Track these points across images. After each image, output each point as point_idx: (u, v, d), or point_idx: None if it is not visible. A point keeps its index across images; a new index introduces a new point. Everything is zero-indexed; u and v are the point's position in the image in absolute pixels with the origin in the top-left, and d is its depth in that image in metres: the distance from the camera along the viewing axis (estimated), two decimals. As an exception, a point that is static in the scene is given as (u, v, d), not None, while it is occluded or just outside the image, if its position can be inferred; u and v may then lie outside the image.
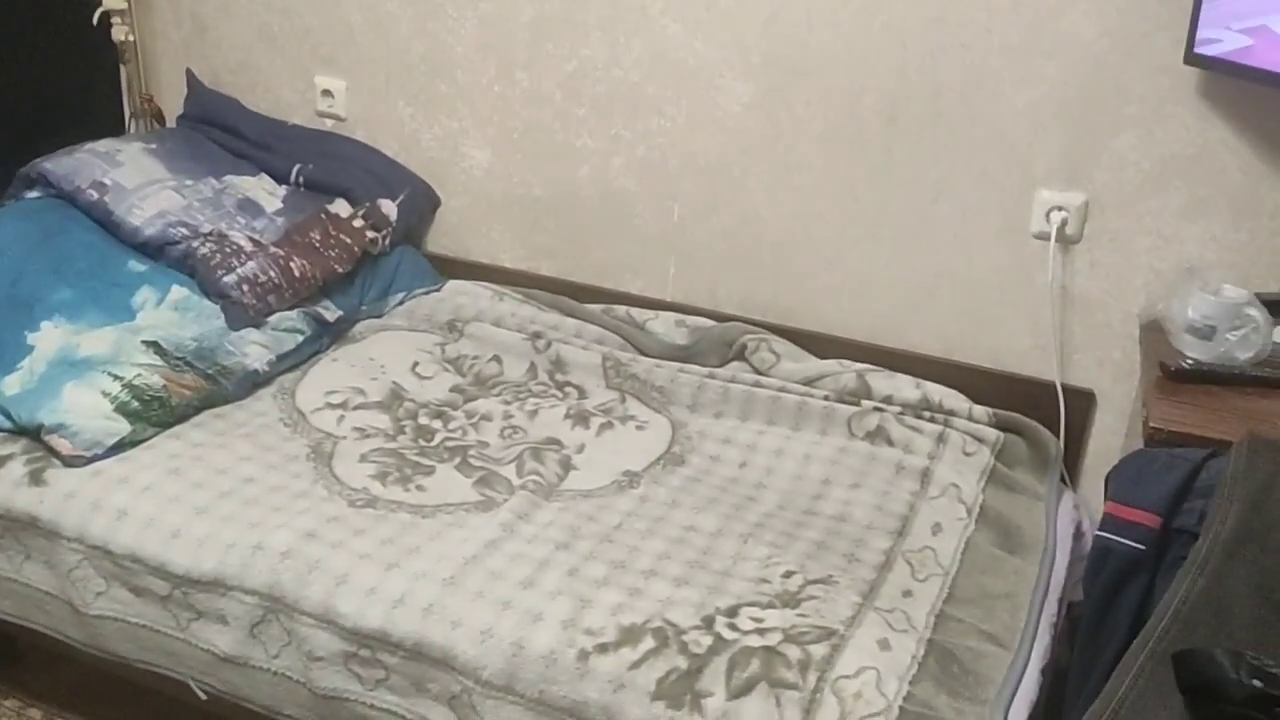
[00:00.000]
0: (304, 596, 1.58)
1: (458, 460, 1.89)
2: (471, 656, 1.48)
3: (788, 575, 1.60)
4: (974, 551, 1.73)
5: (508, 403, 2.08)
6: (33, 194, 2.24)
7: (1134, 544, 1.37)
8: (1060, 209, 1.97)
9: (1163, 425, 1.54)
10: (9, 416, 1.85)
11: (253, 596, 1.61)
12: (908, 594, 1.61)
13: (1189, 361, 1.69)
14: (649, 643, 1.46)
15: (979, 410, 2.03)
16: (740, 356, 2.17)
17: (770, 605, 1.53)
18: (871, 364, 2.12)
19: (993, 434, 1.99)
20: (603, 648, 1.45)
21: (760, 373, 2.13)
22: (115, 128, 2.71)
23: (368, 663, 1.55)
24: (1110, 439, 2.05)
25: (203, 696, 1.70)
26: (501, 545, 1.65)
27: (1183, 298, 1.74)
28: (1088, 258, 1.99)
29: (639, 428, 2.02)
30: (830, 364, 2.13)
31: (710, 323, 2.24)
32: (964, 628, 1.56)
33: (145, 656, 1.72)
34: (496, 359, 2.22)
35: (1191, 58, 1.76)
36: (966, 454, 1.95)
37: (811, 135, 2.11)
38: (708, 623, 1.49)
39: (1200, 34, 1.72)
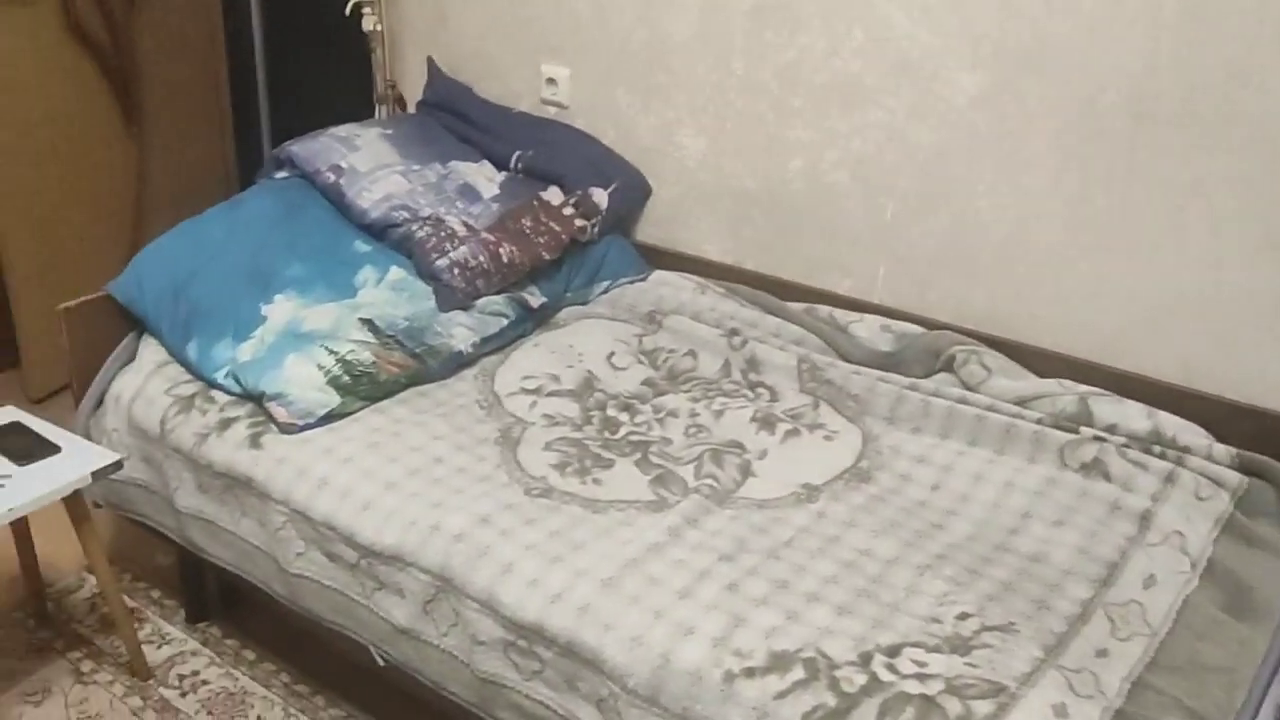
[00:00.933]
0: (470, 581, 1.62)
1: (638, 456, 1.87)
2: (620, 663, 1.47)
3: (963, 617, 1.48)
4: (1192, 612, 1.53)
5: (696, 400, 2.04)
6: (281, 174, 2.41)
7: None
8: (1338, 224, 1.70)
9: None
10: (239, 381, 2.00)
11: (426, 574, 1.67)
12: (1102, 654, 1.44)
13: None
14: (798, 673, 1.39)
15: (1220, 449, 1.80)
16: (948, 368, 2.03)
17: (937, 649, 1.42)
18: (1096, 387, 1.92)
19: (1235, 477, 1.76)
20: (750, 672, 1.40)
21: (968, 388, 1.98)
22: (366, 112, 2.88)
23: (525, 653, 1.57)
24: (1385, 494, 1.76)
25: (381, 663, 1.78)
26: (665, 550, 1.62)
27: None
28: (1368, 283, 1.71)
29: (827, 437, 1.93)
30: (1049, 384, 1.95)
31: (918, 330, 2.11)
32: (1165, 702, 1.38)
33: (335, 618, 1.83)
34: (692, 354, 2.18)
35: None
36: (1200, 498, 1.73)
37: (1044, 132, 1.93)
38: (865, 660, 1.40)
39: None
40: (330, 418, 1.94)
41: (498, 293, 2.23)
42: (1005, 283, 2.05)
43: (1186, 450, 1.80)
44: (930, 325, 2.11)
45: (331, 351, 2.00)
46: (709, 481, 1.80)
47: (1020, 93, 1.94)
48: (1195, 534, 1.66)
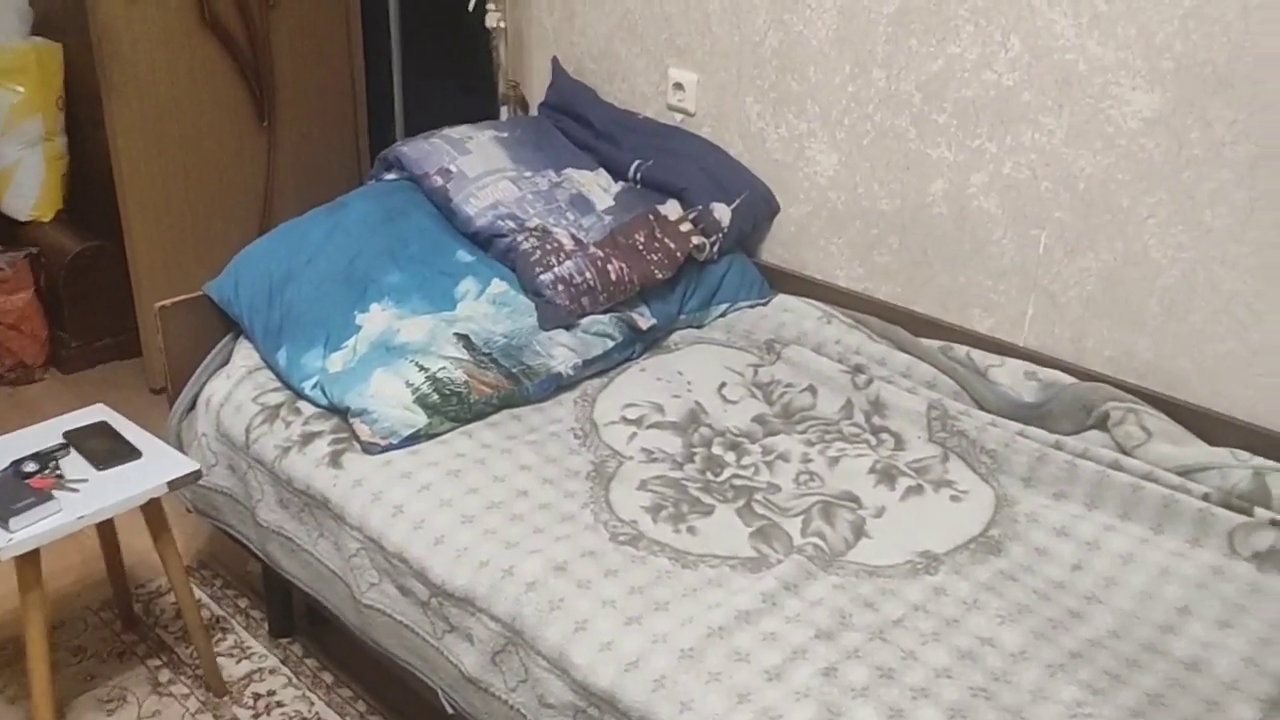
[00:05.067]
0: (541, 635, 1.48)
1: (740, 503, 1.70)
2: (694, 750, 1.30)
3: (1100, 735, 1.26)
4: (1389, 749, 1.27)
5: (811, 443, 1.85)
6: (390, 176, 2.33)
7: None
8: None
9: None
10: (325, 394, 1.91)
11: (496, 623, 1.54)
12: (1271, 795, 1.20)
13: None
14: (897, 787, 1.20)
15: None
16: (1100, 426, 1.79)
17: (1066, 774, 1.21)
18: (1278, 462, 1.65)
19: None
20: (840, 780, 1.21)
21: (1123, 451, 1.74)
22: (492, 113, 2.78)
23: (595, 723, 1.42)
24: None
25: (449, 710, 1.66)
26: (757, 619, 1.45)
27: None
28: None
29: (955, 497, 1.71)
30: (1220, 454, 1.69)
31: (1069, 380, 1.87)
32: None
33: (405, 656, 1.71)
34: (811, 390, 1.99)
35: None
36: (1403, 604, 1.45)
37: (1232, 162, 1.67)
38: (977, 779, 1.20)
39: None
40: (416, 438, 1.84)
41: (604, 312, 2.08)
42: (1175, 334, 1.79)
43: (1390, 545, 1.52)
44: (1082, 375, 1.86)
45: (422, 368, 1.89)
46: (815, 540, 1.61)
47: (1206, 116, 1.68)
48: (1398, 650, 1.39)
